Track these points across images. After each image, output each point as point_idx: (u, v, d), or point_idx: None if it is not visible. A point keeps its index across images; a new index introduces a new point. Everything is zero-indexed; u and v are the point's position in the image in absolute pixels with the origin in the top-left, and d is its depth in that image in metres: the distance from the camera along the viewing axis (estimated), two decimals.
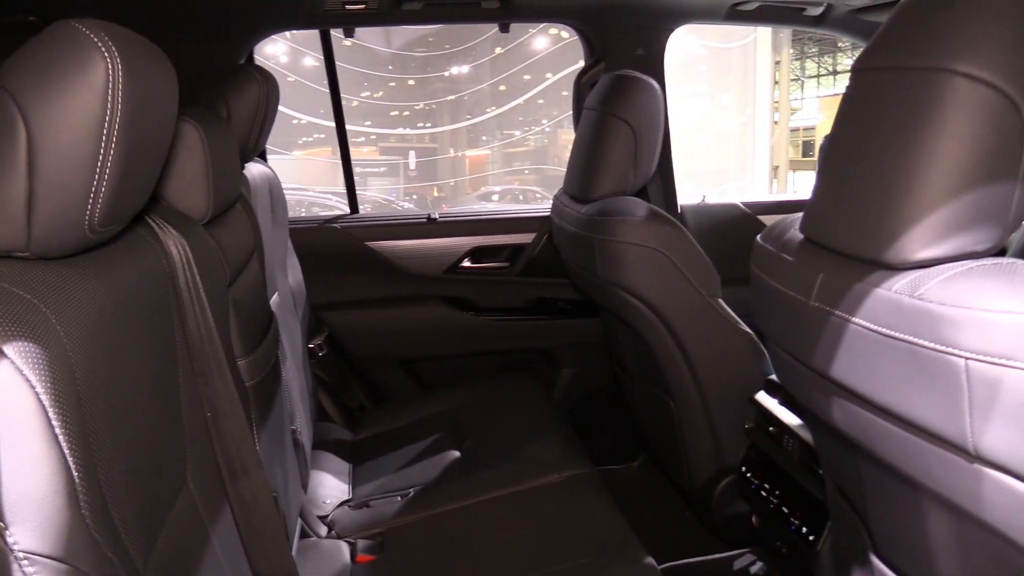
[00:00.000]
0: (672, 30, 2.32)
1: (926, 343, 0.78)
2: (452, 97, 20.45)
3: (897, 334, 0.82)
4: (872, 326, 0.86)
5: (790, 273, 1.03)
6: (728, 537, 1.94)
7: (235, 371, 1.15)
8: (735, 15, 2.25)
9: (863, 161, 0.92)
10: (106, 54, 0.71)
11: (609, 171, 1.83)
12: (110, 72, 0.71)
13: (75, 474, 0.64)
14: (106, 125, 0.72)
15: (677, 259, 1.70)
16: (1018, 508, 0.77)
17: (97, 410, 0.71)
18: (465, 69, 19.82)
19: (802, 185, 19.29)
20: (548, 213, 2.38)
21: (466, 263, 2.41)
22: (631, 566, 1.40)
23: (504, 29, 2.24)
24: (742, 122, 16.62)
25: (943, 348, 0.76)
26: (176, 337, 1.01)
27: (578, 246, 1.86)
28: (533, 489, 1.71)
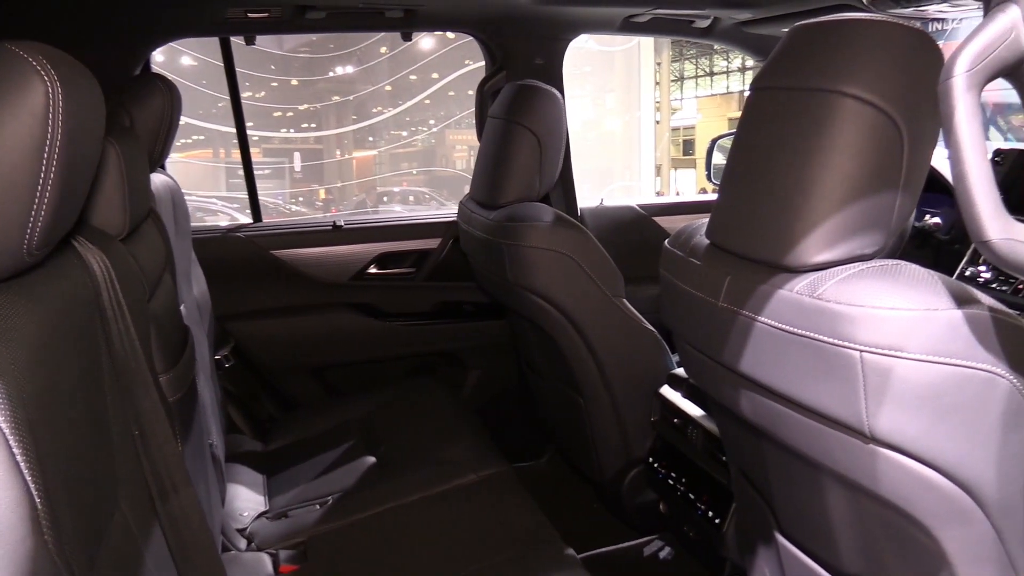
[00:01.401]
0: (570, 40, 2.41)
1: (825, 338, 0.87)
2: (338, 99, 20.15)
3: (799, 331, 0.90)
4: (777, 324, 0.94)
5: (699, 276, 1.11)
6: (638, 525, 2.03)
7: (159, 388, 1.15)
8: (629, 26, 2.35)
9: (763, 173, 1.00)
10: (45, 77, 0.71)
11: (515, 178, 1.88)
12: (50, 95, 0.71)
13: (37, 500, 0.64)
14: (46, 148, 0.72)
15: (583, 262, 1.78)
16: (909, 482, 0.86)
17: (45, 435, 0.71)
18: (350, 70, 19.56)
19: (683, 183, 19.98)
20: (453, 218, 2.42)
21: (372, 269, 2.42)
22: (553, 558, 1.46)
23: (406, 38, 2.27)
24: (626, 122, 17.05)
25: (840, 342, 0.85)
26: (102, 356, 1.00)
27: (487, 251, 1.91)
28: (451, 490, 1.75)
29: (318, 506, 1.76)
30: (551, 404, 2.18)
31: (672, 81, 22.58)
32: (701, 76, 23.69)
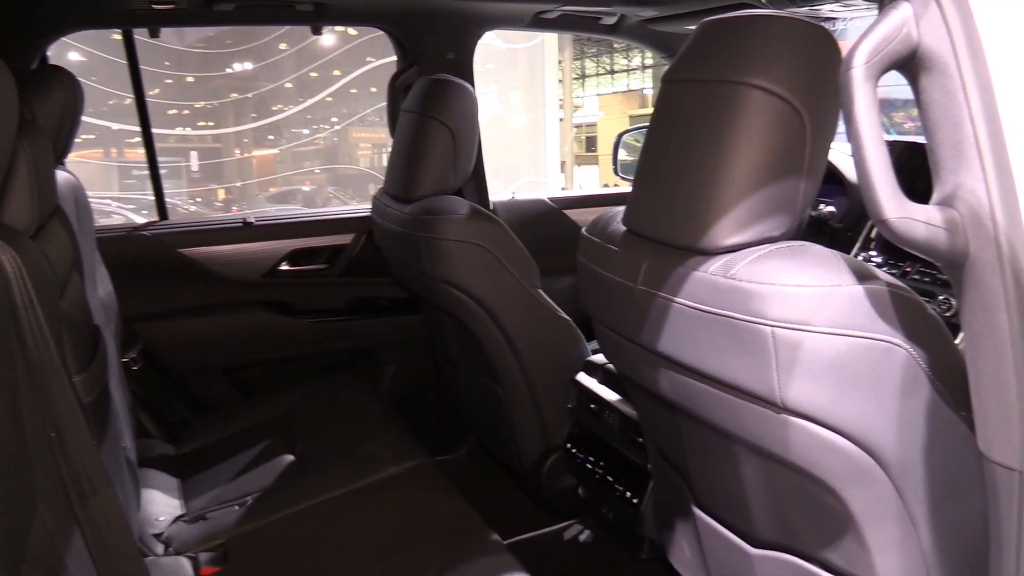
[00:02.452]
0: (480, 35, 2.43)
1: (739, 315, 0.92)
2: (236, 96, 19.63)
3: (714, 309, 0.95)
4: (693, 304, 0.99)
5: (617, 261, 1.15)
6: (557, 510, 2.07)
7: (74, 388, 1.12)
8: (538, 22, 2.39)
9: (676, 162, 1.05)
10: None
11: (430, 172, 1.90)
12: None
13: None
14: None
15: (500, 254, 1.80)
16: (817, 448, 0.92)
17: None
18: (249, 67, 19.06)
19: (586, 179, 20.32)
20: (366, 214, 2.41)
21: (284, 267, 2.39)
22: (479, 545, 1.48)
23: (316, 31, 2.24)
24: (530, 119, 17.19)
25: (753, 319, 0.90)
26: (16, 355, 0.97)
27: (403, 244, 1.91)
28: (373, 484, 1.75)
29: (237, 507, 1.73)
30: (469, 396, 2.20)
31: (574, 79, 22.93)
32: (602, 74, 24.13)
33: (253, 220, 2.35)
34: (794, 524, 1.08)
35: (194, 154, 17.95)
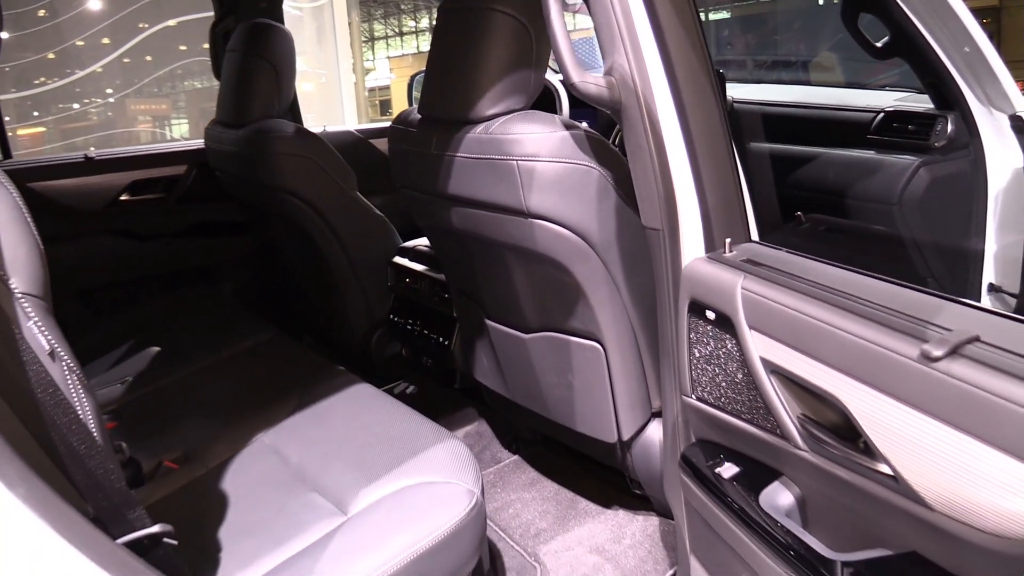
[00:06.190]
0: None
1: (497, 156, 1.43)
2: None
3: (482, 156, 1.46)
4: (469, 155, 1.49)
5: (416, 138, 1.64)
6: (387, 375, 2.55)
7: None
8: None
9: (452, 64, 1.54)
10: None
11: (258, 100, 2.29)
12: None
13: None
14: None
15: (324, 164, 2.24)
16: (552, 238, 1.45)
17: None
18: (5, 36, 17.57)
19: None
20: (196, 147, 2.74)
21: (125, 197, 2.66)
22: (335, 377, 1.90)
23: None
24: (321, 84, 17.12)
25: (506, 157, 1.42)
26: None
27: (240, 162, 2.29)
28: (235, 353, 2.12)
29: (119, 385, 2.05)
30: (304, 293, 2.61)
31: (364, 42, 22.89)
32: (391, 36, 24.21)
33: (94, 155, 2.61)
34: (549, 307, 1.63)
35: None
